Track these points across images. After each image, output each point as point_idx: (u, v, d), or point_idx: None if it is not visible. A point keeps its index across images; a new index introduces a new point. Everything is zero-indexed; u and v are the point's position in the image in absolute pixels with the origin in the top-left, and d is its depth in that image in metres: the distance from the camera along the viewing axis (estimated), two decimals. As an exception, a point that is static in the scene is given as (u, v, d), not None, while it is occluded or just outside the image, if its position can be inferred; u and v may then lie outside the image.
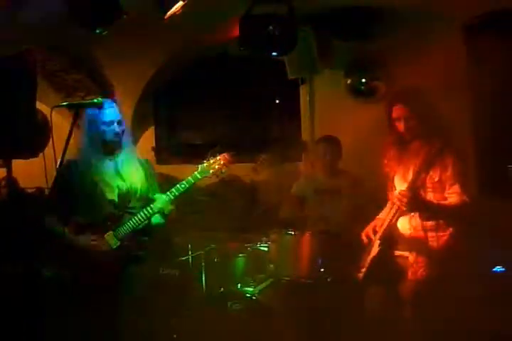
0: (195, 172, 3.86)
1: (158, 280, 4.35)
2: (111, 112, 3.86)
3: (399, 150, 3.70)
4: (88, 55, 7.01)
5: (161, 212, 3.88)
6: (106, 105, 3.83)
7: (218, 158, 3.87)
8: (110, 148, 3.93)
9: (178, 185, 3.87)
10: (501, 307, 4.12)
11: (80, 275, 3.85)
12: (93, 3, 4.23)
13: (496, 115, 5.20)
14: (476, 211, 3.63)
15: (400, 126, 3.61)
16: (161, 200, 3.86)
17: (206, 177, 3.88)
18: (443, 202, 3.51)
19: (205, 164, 3.87)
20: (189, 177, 3.86)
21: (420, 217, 3.54)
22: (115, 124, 3.86)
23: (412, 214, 3.56)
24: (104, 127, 3.85)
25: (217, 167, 3.86)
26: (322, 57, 6.18)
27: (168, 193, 3.88)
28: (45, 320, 3.10)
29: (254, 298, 4.50)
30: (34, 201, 6.04)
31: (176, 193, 3.86)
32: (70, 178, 3.90)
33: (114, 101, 3.96)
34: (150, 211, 3.86)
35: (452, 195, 3.50)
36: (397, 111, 3.63)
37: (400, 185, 3.65)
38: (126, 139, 3.98)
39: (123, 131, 3.92)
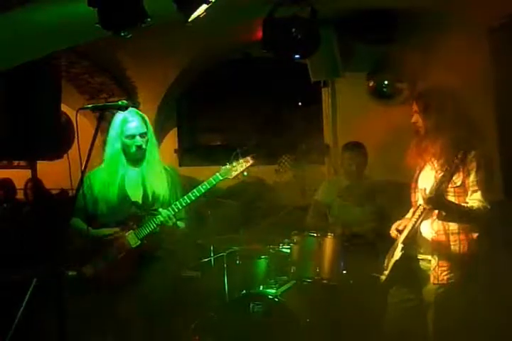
0: (217, 174, 3.91)
1: (180, 283, 4.36)
2: (133, 126, 3.95)
3: (416, 145, 3.71)
4: (112, 58, 7.07)
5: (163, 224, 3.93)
6: (129, 118, 3.94)
7: (241, 160, 3.92)
8: (133, 159, 4.03)
9: (199, 186, 3.92)
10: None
11: (99, 271, 3.93)
12: (117, 6, 4.27)
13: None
14: (499, 217, 3.60)
15: (412, 119, 3.66)
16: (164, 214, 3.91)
17: (227, 178, 3.92)
18: (464, 204, 3.49)
19: (227, 166, 3.91)
20: (210, 179, 3.91)
21: (438, 217, 3.52)
22: (137, 138, 3.95)
23: (435, 217, 3.55)
24: (126, 140, 3.96)
25: (239, 169, 3.90)
26: (344, 60, 6.19)
27: (189, 194, 3.92)
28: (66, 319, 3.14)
29: (276, 299, 4.49)
30: (58, 202, 6.11)
31: (198, 194, 3.91)
32: (96, 186, 4.02)
33: (137, 105, 3.99)
34: (161, 219, 3.91)
35: (474, 201, 3.47)
36: (413, 104, 3.69)
37: (423, 186, 3.63)
38: (152, 147, 4.06)
39: (147, 141, 4.00)
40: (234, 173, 3.89)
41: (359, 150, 5.44)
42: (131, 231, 3.96)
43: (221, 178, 3.90)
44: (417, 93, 3.79)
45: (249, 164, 3.91)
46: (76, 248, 3.97)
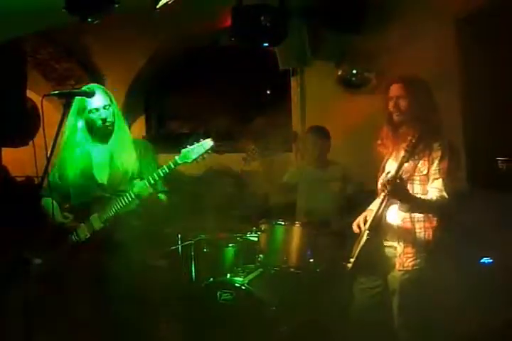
0: (176, 158, 3.79)
1: (146, 271, 4.35)
2: (95, 99, 3.81)
3: (392, 131, 3.72)
4: (79, 43, 7.00)
5: (139, 196, 3.84)
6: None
7: (201, 143, 3.78)
8: (100, 133, 3.92)
9: (158, 170, 3.82)
10: (486, 298, 4.19)
11: (62, 259, 3.92)
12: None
13: (485, 107, 5.23)
14: (464, 203, 3.65)
15: (392, 104, 3.64)
16: (138, 185, 3.83)
17: (187, 162, 3.79)
18: (423, 196, 3.53)
19: (186, 149, 3.79)
20: (170, 163, 3.80)
21: (400, 208, 3.56)
22: (101, 110, 3.83)
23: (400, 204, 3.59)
24: (90, 115, 3.84)
25: (199, 152, 3.77)
26: (313, 49, 6.19)
27: (148, 178, 3.83)
28: (33, 308, 3.12)
29: (243, 287, 4.51)
30: (23, 189, 6.04)
31: (156, 178, 3.81)
32: (65, 162, 3.94)
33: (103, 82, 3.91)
34: (129, 196, 3.85)
35: (432, 190, 3.51)
36: (392, 89, 3.65)
37: (389, 173, 3.66)
38: (120, 122, 3.95)
39: (113, 115, 3.89)
40: (193, 156, 3.76)
41: (320, 134, 5.50)
42: (95, 214, 3.90)
43: (180, 162, 3.78)
44: (399, 77, 3.72)
45: (208, 147, 3.77)
46: (43, 233, 3.93)
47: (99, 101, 3.84)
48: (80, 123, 3.89)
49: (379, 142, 3.82)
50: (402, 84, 3.64)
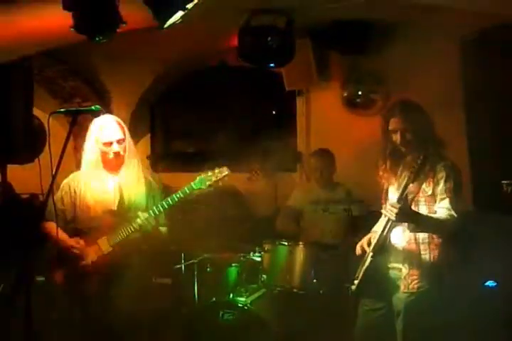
0: (191, 183, 3.90)
1: (150, 289, 4.35)
2: (110, 132, 3.93)
3: (394, 162, 3.71)
4: (86, 62, 7.03)
5: (142, 229, 3.92)
6: (106, 124, 3.94)
7: (216, 171, 3.90)
8: (111, 165, 4.03)
9: (173, 195, 3.91)
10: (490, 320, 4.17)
11: (69, 279, 3.95)
12: (93, 10, 4.24)
13: (491, 130, 5.23)
14: (468, 226, 3.64)
15: (397, 138, 3.62)
16: (142, 217, 3.90)
17: (202, 188, 3.90)
18: (432, 214, 3.52)
19: (202, 176, 3.90)
20: (184, 188, 3.90)
21: (409, 228, 3.55)
22: (114, 144, 3.93)
23: (405, 227, 3.57)
24: (103, 147, 3.94)
25: (213, 179, 3.89)
26: (319, 70, 6.21)
27: (163, 202, 3.92)
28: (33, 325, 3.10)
29: (246, 308, 4.49)
30: (28, 207, 6.04)
31: (171, 203, 3.91)
32: (72, 192, 4.03)
33: (111, 111, 3.99)
34: (132, 227, 3.92)
35: (441, 210, 3.50)
36: (394, 123, 3.63)
37: (393, 197, 3.66)
38: (130, 154, 4.05)
39: (125, 148, 3.99)
40: (208, 183, 3.88)
41: (324, 157, 5.52)
42: (104, 237, 3.95)
43: (195, 188, 3.89)
44: (397, 110, 3.67)
45: (224, 174, 3.90)
46: (49, 253, 3.94)
47: (113, 134, 3.94)
48: (92, 154, 3.99)
49: (380, 174, 3.81)
50: (404, 118, 3.60)
